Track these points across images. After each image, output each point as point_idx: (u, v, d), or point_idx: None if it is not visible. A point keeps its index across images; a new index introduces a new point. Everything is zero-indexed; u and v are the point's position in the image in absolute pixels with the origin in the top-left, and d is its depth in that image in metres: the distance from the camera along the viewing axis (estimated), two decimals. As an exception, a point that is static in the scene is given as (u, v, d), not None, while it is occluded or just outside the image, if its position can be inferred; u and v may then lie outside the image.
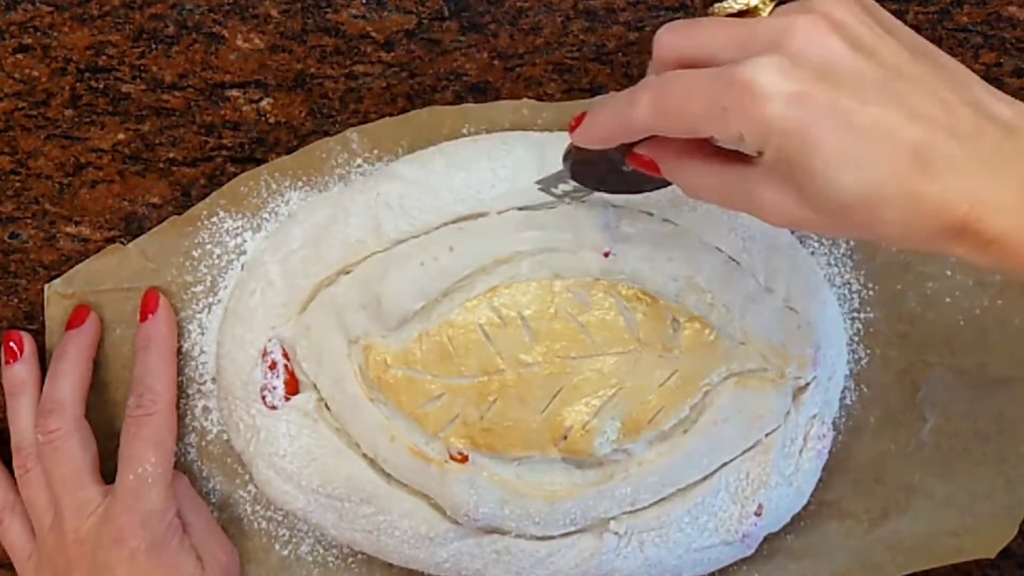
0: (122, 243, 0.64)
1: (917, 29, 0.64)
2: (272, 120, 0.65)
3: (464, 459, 0.58)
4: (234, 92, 0.65)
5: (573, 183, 0.55)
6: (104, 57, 0.64)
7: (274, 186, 0.63)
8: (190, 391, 0.64)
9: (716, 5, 0.46)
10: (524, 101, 0.62)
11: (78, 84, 0.65)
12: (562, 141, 0.61)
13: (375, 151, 0.63)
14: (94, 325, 0.62)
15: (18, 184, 0.65)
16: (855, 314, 0.63)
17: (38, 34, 0.64)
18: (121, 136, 0.65)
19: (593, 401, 0.57)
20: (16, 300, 0.66)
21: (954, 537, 0.62)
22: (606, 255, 0.58)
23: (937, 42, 0.64)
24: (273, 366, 0.60)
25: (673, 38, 0.46)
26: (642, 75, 0.64)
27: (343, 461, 0.59)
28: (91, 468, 0.60)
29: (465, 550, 0.59)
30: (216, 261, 0.63)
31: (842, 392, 0.63)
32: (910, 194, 0.40)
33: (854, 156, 0.40)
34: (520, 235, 0.58)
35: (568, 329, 0.57)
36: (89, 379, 0.62)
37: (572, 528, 0.59)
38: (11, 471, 0.62)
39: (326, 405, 0.60)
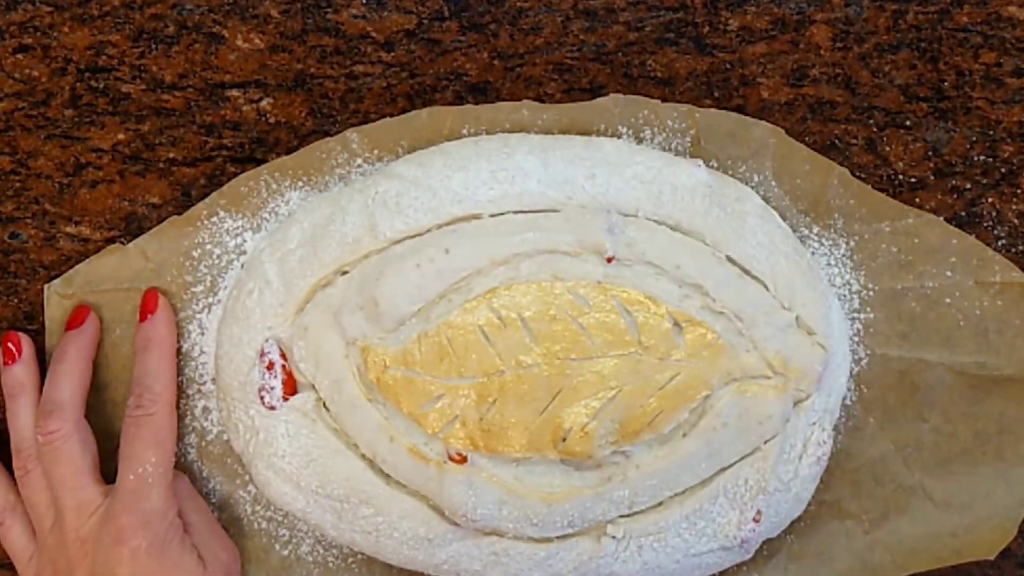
0: (122, 243, 0.64)
1: (917, 29, 0.64)
2: (272, 120, 0.65)
3: (463, 460, 0.58)
4: (234, 92, 0.65)
5: None
6: (104, 57, 0.64)
7: (274, 186, 0.63)
8: (190, 391, 0.64)
9: None
10: (524, 102, 0.62)
11: (78, 84, 0.65)
12: (563, 144, 0.61)
13: (375, 151, 0.63)
14: (93, 325, 0.62)
15: (18, 184, 0.65)
16: (855, 314, 0.63)
17: (38, 34, 0.64)
18: (121, 136, 0.65)
19: (592, 403, 0.57)
20: (16, 300, 0.66)
21: (954, 538, 0.62)
22: (609, 260, 0.58)
23: (937, 42, 0.64)
24: (271, 367, 0.60)
25: None
26: (642, 75, 0.64)
27: (342, 462, 0.59)
28: (91, 468, 0.60)
29: (464, 552, 0.59)
30: (216, 261, 0.63)
31: (843, 393, 0.63)
32: None
33: None
34: (518, 237, 0.58)
35: (568, 331, 0.57)
36: (89, 380, 0.62)
37: (570, 530, 0.59)
38: (11, 472, 0.62)
39: (324, 405, 0.60)
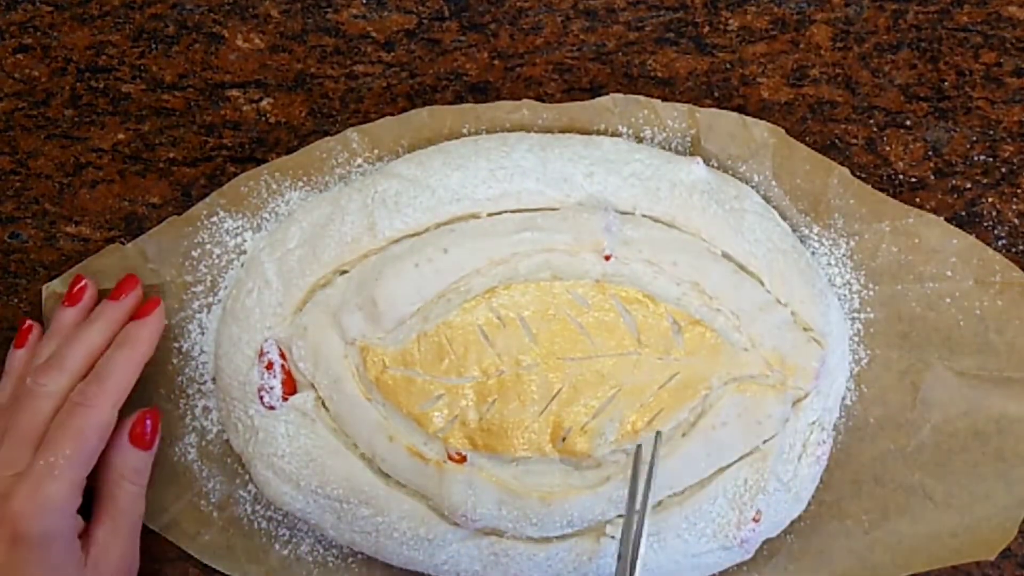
0: (122, 243, 0.64)
1: (917, 29, 0.64)
2: (272, 120, 0.65)
3: (462, 459, 0.58)
4: (234, 92, 0.65)
5: None
6: (104, 57, 0.65)
7: (274, 186, 0.63)
8: (190, 391, 0.64)
9: None
10: (524, 102, 0.62)
11: (78, 84, 0.65)
12: (562, 142, 0.61)
13: (375, 151, 0.63)
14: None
15: (18, 184, 0.65)
16: (855, 314, 0.63)
17: (38, 34, 0.64)
18: (121, 136, 0.65)
19: (592, 402, 0.57)
20: (16, 300, 0.66)
21: (954, 538, 0.62)
22: (607, 259, 0.58)
23: (937, 42, 0.64)
24: (270, 366, 0.60)
25: None
26: (642, 75, 0.64)
27: (341, 462, 0.59)
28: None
29: (464, 552, 0.59)
30: (216, 261, 0.63)
31: (842, 393, 0.63)
32: None
33: None
34: (516, 236, 0.58)
35: (567, 330, 0.57)
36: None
37: (569, 530, 0.59)
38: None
39: (324, 405, 0.60)
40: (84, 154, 0.65)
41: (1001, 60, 0.64)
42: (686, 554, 0.59)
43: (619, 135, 0.62)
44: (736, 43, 0.64)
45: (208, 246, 0.63)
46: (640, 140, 0.63)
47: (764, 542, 0.62)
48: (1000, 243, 0.64)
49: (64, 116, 0.65)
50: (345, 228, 0.60)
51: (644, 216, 0.59)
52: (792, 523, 0.62)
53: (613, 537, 0.59)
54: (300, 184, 0.63)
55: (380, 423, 0.58)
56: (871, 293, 0.63)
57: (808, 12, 0.64)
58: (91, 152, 0.65)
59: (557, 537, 0.59)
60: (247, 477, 0.64)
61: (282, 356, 0.60)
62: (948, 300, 0.62)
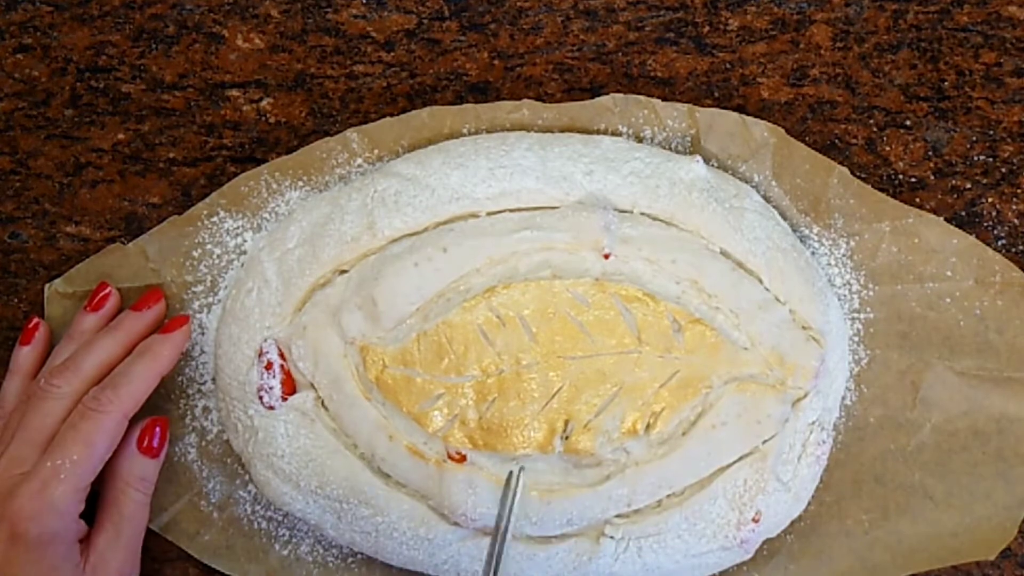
0: (122, 243, 0.64)
1: (917, 29, 0.64)
2: (272, 120, 0.65)
3: (462, 458, 0.58)
4: (234, 92, 0.65)
5: None
6: (104, 57, 0.65)
7: (274, 186, 0.63)
8: (190, 391, 0.64)
9: None
10: (525, 101, 0.62)
11: (78, 84, 0.65)
12: (561, 141, 0.61)
13: (375, 151, 0.63)
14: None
15: (18, 184, 0.65)
16: (855, 314, 0.63)
17: (38, 34, 0.64)
18: (121, 136, 0.65)
19: (594, 400, 0.57)
20: (16, 300, 0.66)
21: (954, 538, 0.62)
22: (606, 257, 0.58)
23: (937, 42, 0.64)
24: (269, 366, 0.60)
25: None
26: (642, 75, 0.64)
27: (341, 462, 0.59)
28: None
29: (464, 552, 0.59)
30: (216, 261, 0.63)
31: (842, 393, 0.63)
32: None
33: None
34: (516, 235, 0.58)
35: (568, 329, 0.57)
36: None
37: (569, 529, 0.59)
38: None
39: (323, 405, 0.60)
40: (84, 154, 0.65)
41: (1001, 60, 0.64)
42: (686, 554, 0.59)
43: (619, 135, 0.63)
44: (736, 43, 0.64)
45: (208, 246, 0.63)
46: (640, 140, 0.63)
47: (764, 542, 0.62)
48: (1000, 243, 0.64)
49: (64, 116, 0.65)
50: (345, 227, 0.60)
51: (643, 214, 0.59)
52: (792, 523, 0.62)
53: (612, 537, 0.59)
54: (300, 184, 0.63)
55: (380, 422, 0.58)
56: (871, 293, 0.63)
57: (808, 12, 0.64)
58: (91, 152, 0.65)
59: (556, 537, 0.59)
60: (247, 477, 0.64)
61: (281, 356, 0.60)
62: (948, 300, 0.62)
